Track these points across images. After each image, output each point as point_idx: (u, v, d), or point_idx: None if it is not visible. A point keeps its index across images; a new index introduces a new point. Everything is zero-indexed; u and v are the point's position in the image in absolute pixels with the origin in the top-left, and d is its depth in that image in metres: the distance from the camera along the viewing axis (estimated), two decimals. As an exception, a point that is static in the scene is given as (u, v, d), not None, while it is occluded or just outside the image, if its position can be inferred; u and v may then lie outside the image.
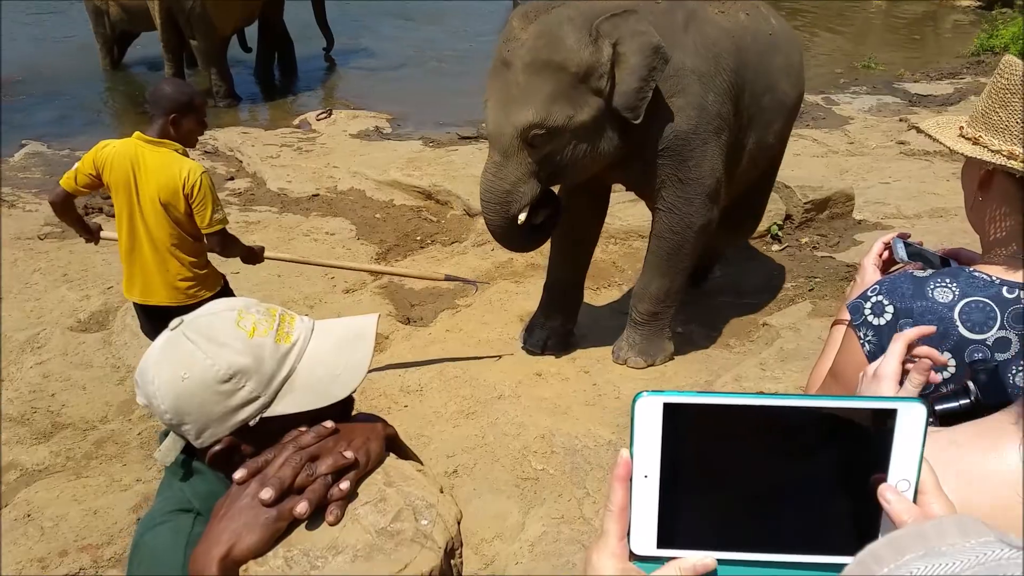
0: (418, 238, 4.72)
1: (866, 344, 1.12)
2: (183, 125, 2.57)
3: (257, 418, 0.85)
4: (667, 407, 0.52)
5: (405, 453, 0.97)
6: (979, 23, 9.48)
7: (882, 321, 1.10)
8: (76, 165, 2.62)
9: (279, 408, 0.85)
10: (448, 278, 3.42)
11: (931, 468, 0.53)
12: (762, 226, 4.34)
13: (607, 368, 3.41)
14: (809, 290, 4.00)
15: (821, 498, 0.53)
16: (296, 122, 6.69)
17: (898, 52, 8.89)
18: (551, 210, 3.01)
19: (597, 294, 4.11)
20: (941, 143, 1.16)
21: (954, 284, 1.07)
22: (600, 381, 3.31)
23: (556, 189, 3.13)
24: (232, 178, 5.55)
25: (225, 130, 6.37)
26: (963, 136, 1.12)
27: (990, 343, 1.05)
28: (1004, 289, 1.06)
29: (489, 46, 8.40)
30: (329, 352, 0.90)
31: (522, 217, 2.83)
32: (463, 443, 2.89)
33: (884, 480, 0.52)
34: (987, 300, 1.06)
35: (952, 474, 0.65)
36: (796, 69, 3.29)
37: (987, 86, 1.11)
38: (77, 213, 2.79)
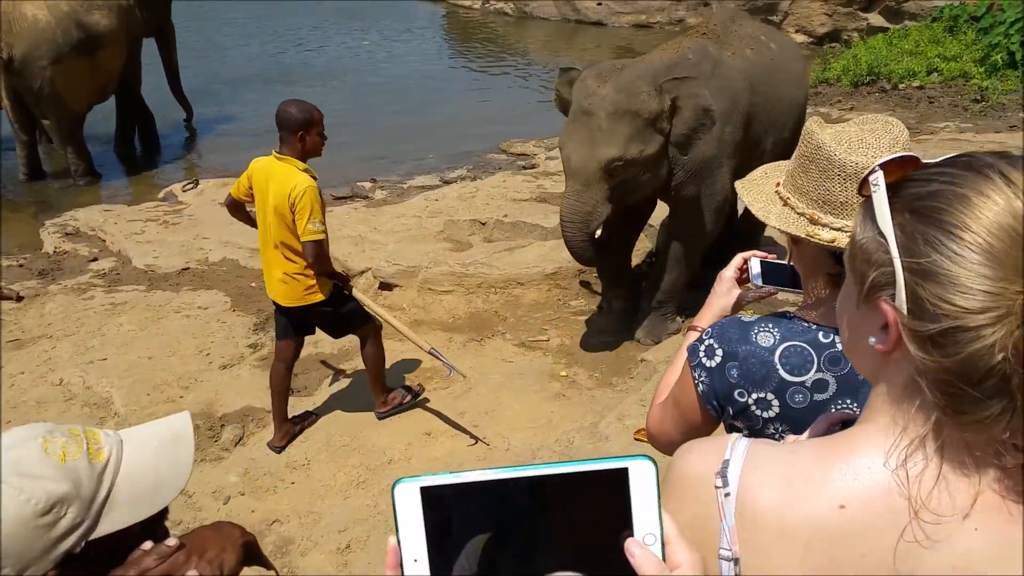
0: (297, 305, 4.63)
1: (699, 384, 1.19)
2: (308, 140, 3.00)
3: (83, 543, 0.82)
4: (424, 490, 0.55)
5: (266, 563, 0.95)
6: (812, 57, 10.26)
7: (713, 363, 1.18)
8: (239, 179, 3.15)
9: (105, 528, 0.82)
10: (432, 352, 3.42)
11: (671, 519, 0.58)
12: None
13: (496, 420, 3.43)
14: (684, 320, 4.17)
15: (581, 561, 0.56)
16: (161, 195, 6.48)
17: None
18: (609, 229, 3.70)
19: (481, 345, 4.14)
20: (748, 204, 1.24)
21: (776, 329, 1.16)
22: (489, 434, 3.33)
23: None
24: (95, 259, 5.30)
25: (86, 209, 6.09)
26: (777, 192, 1.22)
27: (808, 384, 1.14)
28: (820, 334, 1.15)
29: (347, 111, 8.41)
30: (148, 460, 0.88)
31: (598, 233, 3.50)
32: (355, 515, 2.83)
33: (631, 535, 0.56)
34: (805, 344, 1.14)
35: (777, 484, 0.71)
36: (797, 75, 4.06)
37: (798, 148, 1.20)
38: (246, 213, 3.31)
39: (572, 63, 10.85)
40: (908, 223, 0.65)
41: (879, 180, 0.68)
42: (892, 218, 0.66)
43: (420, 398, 3.59)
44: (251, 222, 3.32)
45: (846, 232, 1.12)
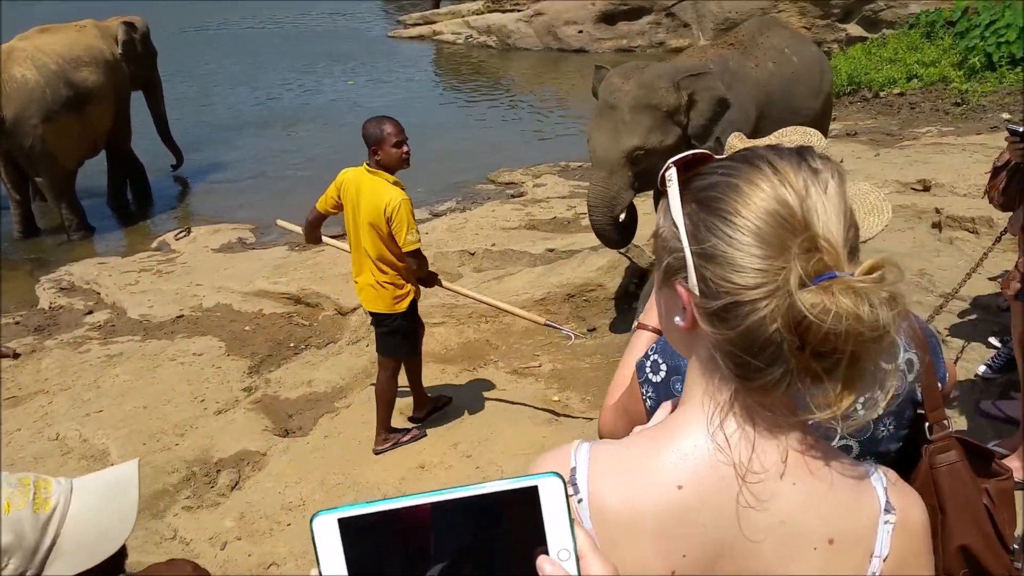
0: (291, 345, 4.67)
1: (647, 399, 1.22)
2: (381, 154, 3.15)
3: None
4: (342, 522, 0.55)
5: None
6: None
7: (658, 379, 1.20)
8: (326, 191, 3.30)
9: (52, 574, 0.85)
10: (547, 324, 3.81)
11: (586, 532, 0.61)
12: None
13: (488, 448, 3.45)
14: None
15: None
16: (155, 245, 6.54)
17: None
18: (632, 214, 4.02)
19: (473, 373, 4.16)
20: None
21: None
22: (483, 463, 3.34)
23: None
24: (90, 312, 5.34)
25: (80, 263, 6.15)
26: None
27: None
28: None
29: (338, 151, 8.52)
30: (94, 509, 0.90)
31: (622, 216, 3.84)
32: (350, 551, 2.84)
33: (545, 552, 0.58)
34: None
35: (620, 481, 0.76)
36: (815, 87, 4.24)
37: None
38: (319, 232, 3.54)
39: (557, 91, 11.02)
40: (694, 212, 0.74)
41: (672, 176, 0.77)
42: (683, 209, 0.75)
43: (419, 438, 3.61)
44: (316, 240, 3.61)
45: None
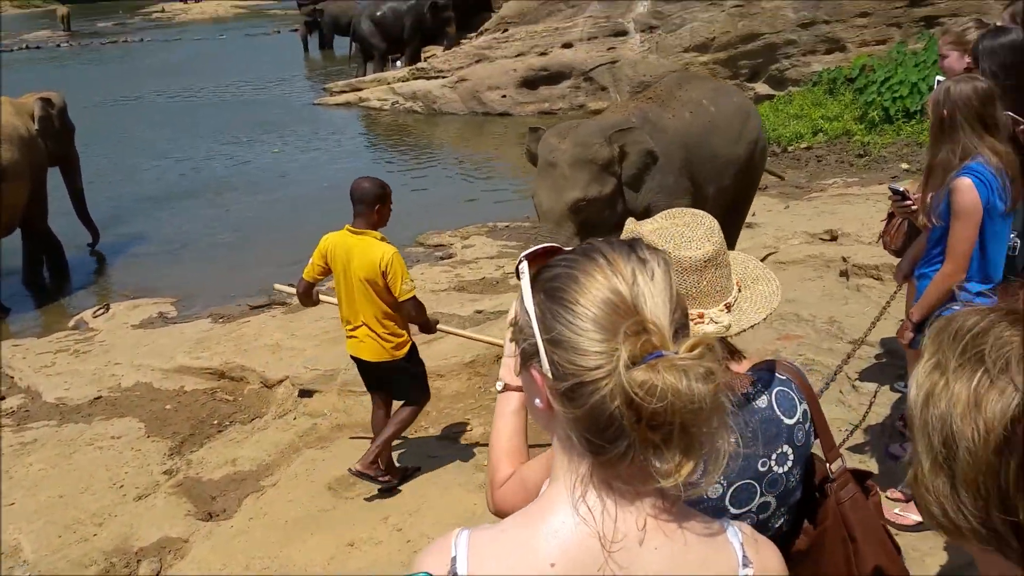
0: (215, 422, 4.56)
1: None
2: (383, 211, 3.42)
3: None
4: None
5: None
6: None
7: None
8: (311, 259, 3.47)
9: None
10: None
11: None
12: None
13: (420, 520, 3.42)
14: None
15: None
16: (72, 324, 6.34)
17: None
18: None
19: (405, 442, 4.12)
20: None
21: None
22: (414, 536, 3.30)
23: None
24: (3, 398, 5.12)
25: (-8, 346, 5.92)
26: None
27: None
28: None
29: (265, 219, 8.47)
30: None
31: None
32: (276, 638, 2.76)
33: None
34: None
35: (499, 565, 0.80)
36: (736, 135, 4.47)
37: None
38: (315, 296, 3.66)
39: (483, 152, 11.22)
40: (543, 302, 0.81)
41: (524, 269, 0.85)
42: (533, 298, 0.82)
43: (388, 485, 3.62)
44: (315, 303, 3.77)
45: (692, 320, 1.18)
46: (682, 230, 1.26)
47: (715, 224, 1.31)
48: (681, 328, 0.80)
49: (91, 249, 8.05)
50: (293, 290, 3.99)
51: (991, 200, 2.35)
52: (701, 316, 1.23)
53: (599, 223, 4.00)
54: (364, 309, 3.38)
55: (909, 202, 2.69)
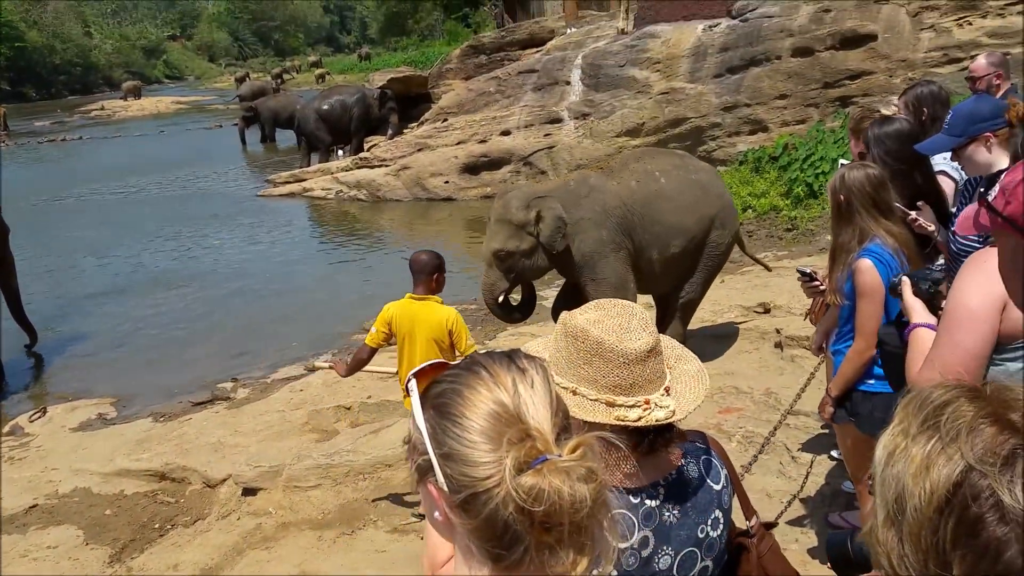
0: (156, 526, 4.43)
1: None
2: (440, 278, 3.80)
3: None
4: None
5: None
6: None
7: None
8: (373, 328, 3.82)
9: None
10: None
11: None
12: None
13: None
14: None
15: None
16: (7, 429, 6.12)
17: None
18: (528, 296, 5.06)
19: (353, 537, 4.06)
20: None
21: None
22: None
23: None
24: (-71, 511, 4.90)
25: (-81, 458, 5.67)
26: (557, 385, 1.34)
27: (636, 545, 1.28)
28: (630, 496, 1.29)
29: (206, 312, 8.40)
30: None
31: (501, 299, 4.82)
32: None
33: None
34: (624, 510, 1.27)
35: None
36: (687, 207, 4.80)
37: (563, 341, 1.32)
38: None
39: (429, 237, 11.37)
40: (432, 418, 0.86)
41: (413, 386, 0.91)
42: (424, 415, 0.87)
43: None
44: (359, 368, 4.07)
45: (641, 407, 1.27)
46: (618, 321, 1.32)
47: (646, 314, 1.39)
48: (564, 430, 0.85)
49: (28, 350, 7.84)
50: (328, 365, 4.41)
51: (891, 279, 2.52)
52: (647, 402, 1.28)
53: (523, 270, 4.75)
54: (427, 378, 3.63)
55: (816, 283, 2.85)
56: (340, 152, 16.85)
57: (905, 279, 2.10)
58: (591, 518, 0.81)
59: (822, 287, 2.80)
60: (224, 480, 4.63)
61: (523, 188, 4.85)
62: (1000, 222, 1.10)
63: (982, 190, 1.08)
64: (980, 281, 1.63)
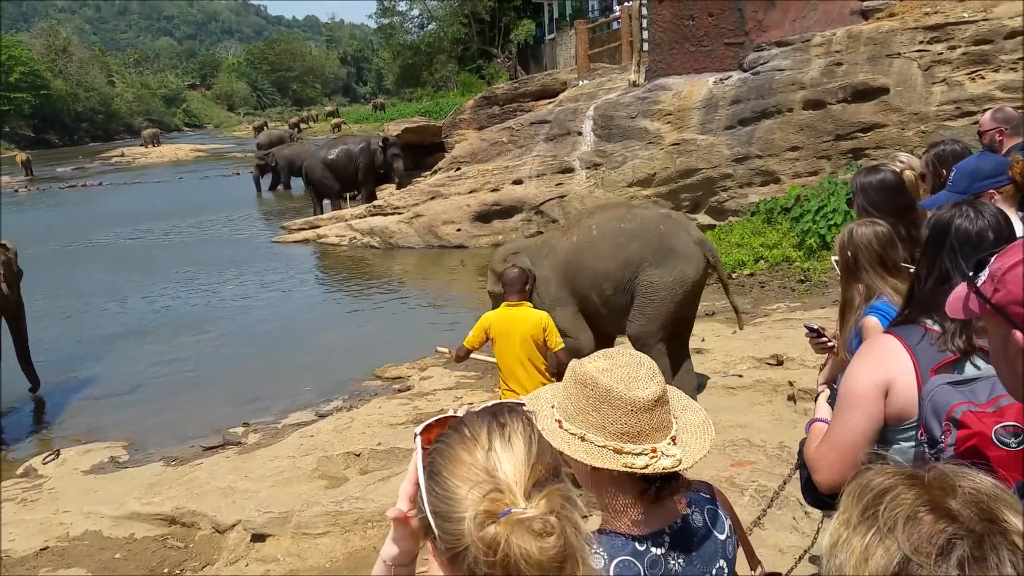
0: (165, 571, 4.42)
1: None
2: (532, 288, 4.79)
3: None
4: None
5: None
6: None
7: None
8: (471, 333, 4.55)
9: None
10: None
11: None
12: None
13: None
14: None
15: None
16: (20, 471, 6.16)
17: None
18: None
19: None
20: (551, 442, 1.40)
21: (601, 548, 1.30)
22: None
23: None
24: (-60, 553, 4.91)
25: (-68, 500, 5.69)
26: (565, 430, 1.32)
27: None
28: (636, 544, 1.31)
29: (220, 357, 8.48)
30: None
31: None
32: None
33: None
34: (630, 558, 1.29)
35: None
36: (613, 255, 5.20)
37: (572, 388, 1.34)
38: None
39: (440, 284, 11.47)
40: (428, 476, 0.91)
41: (418, 444, 0.94)
42: (423, 471, 0.92)
43: None
44: (466, 358, 4.85)
45: (648, 455, 1.29)
46: (626, 370, 1.34)
47: (654, 364, 1.42)
48: (548, 479, 0.88)
49: (32, 394, 7.87)
50: (448, 350, 5.41)
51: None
52: (654, 451, 1.30)
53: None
54: (523, 361, 4.48)
55: (824, 338, 2.85)
56: (349, 201, 17.13)
57: (825, 390, 2.33)
58: (557, 570, 0.82)
59: (830, 343, 2.80)
60: (233, 525, 4.62)
61: (511, 243, 5.66)
62: (989, 309, 1.10)
63: (970, 273, 1.08)
64: (865, 365, 1.81)
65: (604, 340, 5.39)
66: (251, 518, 4.61)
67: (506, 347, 4.51)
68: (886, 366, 1.78)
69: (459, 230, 13.04)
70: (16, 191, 26.45)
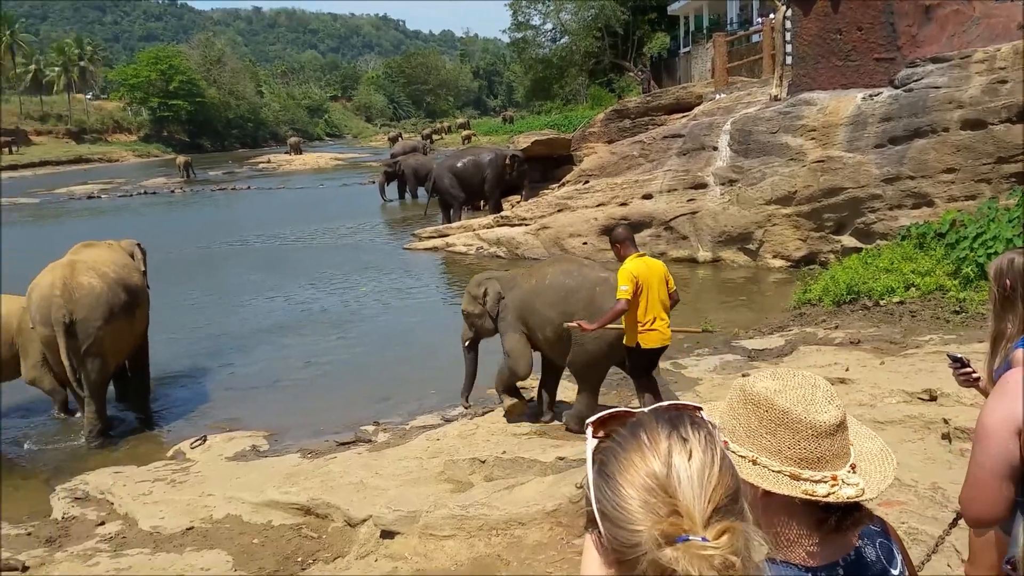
0: (299, 559, 4.59)
1: None
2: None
3: None
4: None
5: None
6: (792, 280, 10.77)
7: None
8: (624, 286, 5.09)
9: None
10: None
11: None
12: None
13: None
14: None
15: None
16: (170, 453, 6.58)
17: (731, 313, 9.90)
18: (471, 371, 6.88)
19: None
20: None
21: None
22: None
23: None
24: (103, 523, 5.29)
25: (96, 472, 6.14)
26: (734, 452, 1.25)
27: None
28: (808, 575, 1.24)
29: (353, 356, 8.80)
30: None
31: (466, 344, 6.67)
32: None
33: None
34: None
35: None
36: (553, 302, 6.04)
37: (741, 408, 1.28)
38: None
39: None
40: (597, 474, 0.88)
41: (589, 435, 0.92)
42: (593, 468, 0.89)
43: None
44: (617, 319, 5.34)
45: (829, 483, 1.22)
46: (802, 392, 1.27)
47: (830, 386, 1.33)
48: (725, 507, 0.84)
49: (180, 384, 8.41)
50: (576, 324, 5.52)
51: None
52: (835, 479, 1.23)
53: (478, 328, 6.46)
54: (662, 302, 5.22)
55: (968, 370, 2.64)
56: (470, 210, 17.49)
57: None
58: None
59: (975, 375, 2.60)
60: (364, 520, 4.74)
61: (487, 271, 7.03)
62: None
63: None
64: (1000, 401, 1.80)
65: (552, 368, 6.48)
66: (381, 514, 4.72)
67: (649, 292, 5.19)
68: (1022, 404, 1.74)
69: (585, 243, 12.99)
70: (172, 191, 28.55)
